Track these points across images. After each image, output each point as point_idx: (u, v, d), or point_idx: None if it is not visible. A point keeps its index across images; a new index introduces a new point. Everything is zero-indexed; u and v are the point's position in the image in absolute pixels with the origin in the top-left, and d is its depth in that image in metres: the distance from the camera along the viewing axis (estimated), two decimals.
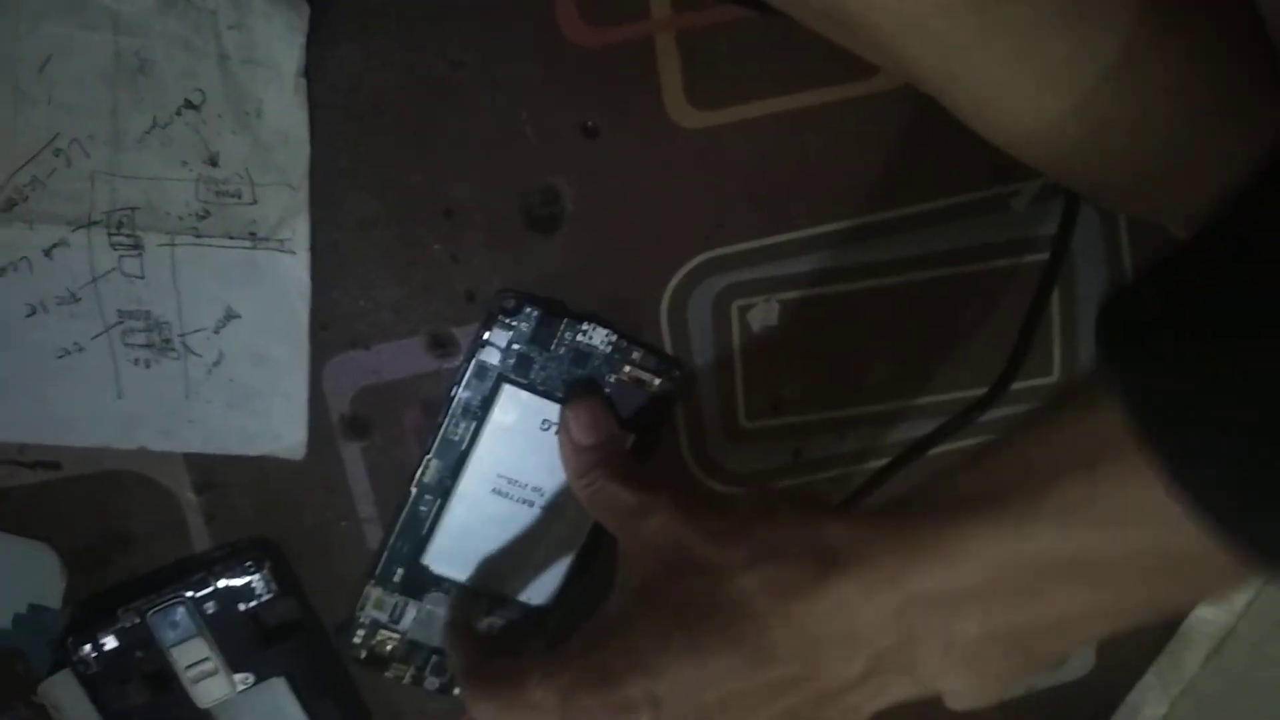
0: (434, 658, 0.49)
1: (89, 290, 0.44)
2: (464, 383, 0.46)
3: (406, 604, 0.48)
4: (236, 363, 0.46)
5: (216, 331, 0.45)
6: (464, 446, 0.47)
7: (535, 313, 0.46)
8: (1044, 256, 0.47)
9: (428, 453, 0.47)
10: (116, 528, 0.48)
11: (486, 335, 0.46)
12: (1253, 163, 0.29)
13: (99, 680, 0.46)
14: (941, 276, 0.49)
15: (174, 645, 0.47)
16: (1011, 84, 0.35)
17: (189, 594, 0.47)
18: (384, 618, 0.49)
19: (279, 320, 0.45)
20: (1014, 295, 0.49)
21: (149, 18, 0.41)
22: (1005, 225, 0.49)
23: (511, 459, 0.47)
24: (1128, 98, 0.35)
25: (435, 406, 0.47)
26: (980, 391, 0.48)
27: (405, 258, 0.46)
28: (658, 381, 0.47)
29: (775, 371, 0.50)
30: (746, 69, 0.46)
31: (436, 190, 0.46)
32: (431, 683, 0.50)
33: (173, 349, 0.45)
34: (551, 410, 0.46)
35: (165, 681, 0.47)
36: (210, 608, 0.47)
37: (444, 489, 0.47)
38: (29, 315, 0.44)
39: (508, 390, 0.46)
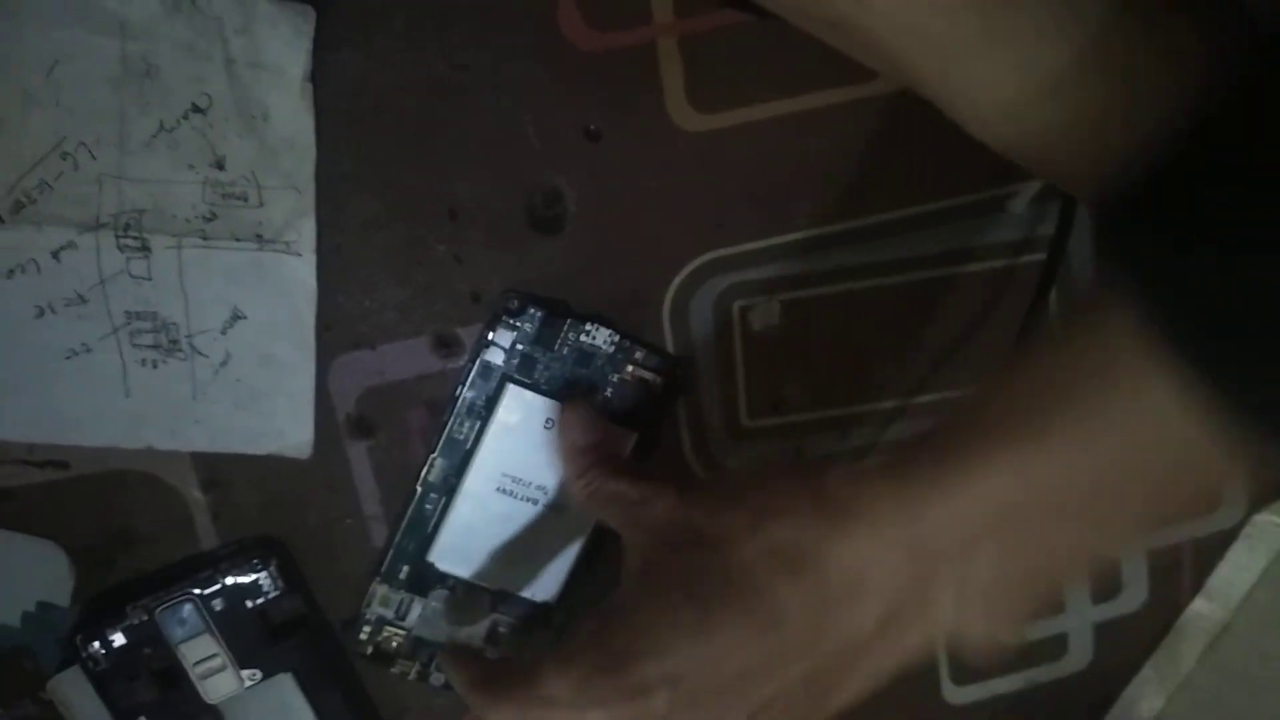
0: (439, 653, 0.50)
1: (97, 292, 0.44)
2: (469, 382, 0.47)
3: (412, 601, 0.49)
4: (243, 363, 0.46)
5: (223, 332, 0.46)
6: (469, 445, 0.47)
7: (539, 313, 0.46)
8: (1041, 257, 0.48)
9: (433, 451, 0.47)
10: (124, 526, 0.48)
11: (491, 335, 0.46)
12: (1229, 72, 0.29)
13: (107, 677, 0.47)
14: (941, 277, 0.50)
15: (182, 642, 0.47)
16: (987, 64, 0.35)
17: (197, 591, 0.47)
18: (389, 614, 0.49)
19: (285, 321, 0.46)
20: (1013, 295, 0.50)
21: (156, 23, 0.41)
22: (1003, 226, 0.49)
23: (516, 458, 0.47)
24: (1100, 78, 0.35)
25: (440, 406, 0.47)
26: None
27: (409, 259, 0.46)
28: (660, 381, 0.48)
29: (776, 371, 0.50)
30: (747, 72, 0.46)
31: (440, 192, 0.46)
32: (436, 678, 0.50)
33: (180, 350, 0.46)
34: (555, 410, 0.47)
35: (173, 678, 0.47)
36: (218, 605, 0.47)
37: (449, 487, 0.47)
38: (37, 316, 0.44)
39: (512, 390, 0.46)
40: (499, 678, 0.39)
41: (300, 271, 0.45)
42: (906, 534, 0.33)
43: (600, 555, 0.49)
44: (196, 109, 0.42)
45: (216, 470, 0.48)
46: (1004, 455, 0.31)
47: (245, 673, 0.48)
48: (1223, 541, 0.55)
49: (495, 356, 0.46)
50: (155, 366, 0.46)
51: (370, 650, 0.50)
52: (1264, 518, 0.54)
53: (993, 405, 0.33)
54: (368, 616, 0.49)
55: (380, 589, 0.49)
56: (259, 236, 0.44)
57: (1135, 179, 0.32)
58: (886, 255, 0.49)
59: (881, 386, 0.51)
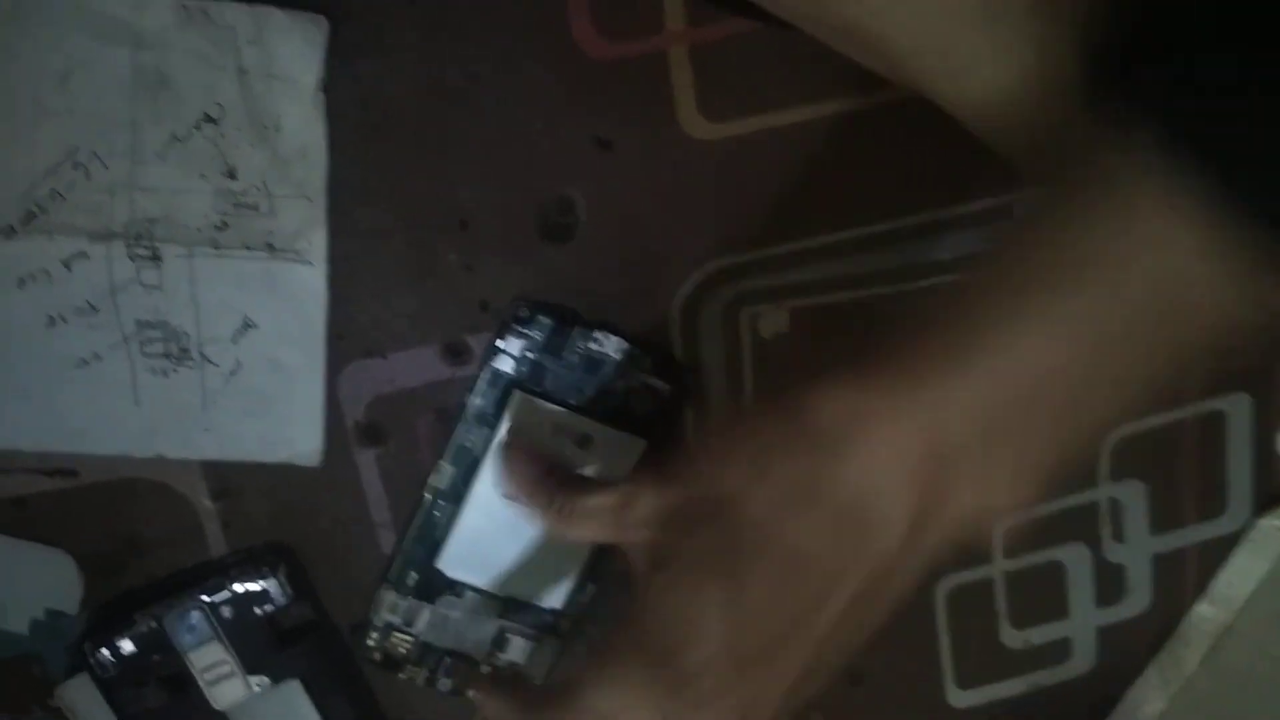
0: (446, 660, 0.50)
1: (107, 301, 0.44)
2: (478, 390, 0.47)
3: (420, 607, 0.49)
4: (253, 371, 0.46)
5: (234, 341, 0.46)
6: (477, 453, 0.47)
7: (549, 321, 0.46)
8: None
9: (442, 458, 0.47)
10: (133, 534, 0.48)
11: (500, 343, 0.46)
12: None
13: (116, 683, 0.47)
14: (949, 284, 0.50)
15: (191, 649, 0.47)
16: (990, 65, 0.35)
17: (205, 598, 0.47)
18: (398, 621, 0.49)
19: (295, 329, 0.46)
20: None
21: (168, 33, 0.41)
22: None
23: None
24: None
25: (449, 414, 0.47)
26: None
27: (420, 267, 0.47)
28: (669, 389, 0.48)
29: (785, 378, 0.50)
30: (758, 81, 0.46)
31: (451, 201, 0.46)
32: (444, 684, 0.50)
33: (190, 358, 0.46)
34: (565, 417, 0.47)
35: (182, 684, 0.48)
36: (226, 612, 0.47)
37: (457, 494, 0.47)
38: (48, 325, 0.44)
39: (521, 398, 0.47)
40: (540, 704, 0.38)
41: (311, 280, 0.45)
42: (922, 435, 0.32)
43: (607, 562, 0.49)
44: (209, 119, 0.42)
45: (226, 478, 0.48)
46: (1033, 322, 0.30)
47: (253, 679, 0.48)
48: (1226, 546, 0.55)
49: (505, 364, 0.46)
50: (166, 375, 0.46)
51: (378, 656, 0.50)
52: (1267, 522, 0.54)
53: (1012, 274, 0.32)
54: (376, 623, 0.49)
55: (389, 596, 0.49)
56: (270, 245, 0.44)
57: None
58: (896, 262, 0.49)
59: None
